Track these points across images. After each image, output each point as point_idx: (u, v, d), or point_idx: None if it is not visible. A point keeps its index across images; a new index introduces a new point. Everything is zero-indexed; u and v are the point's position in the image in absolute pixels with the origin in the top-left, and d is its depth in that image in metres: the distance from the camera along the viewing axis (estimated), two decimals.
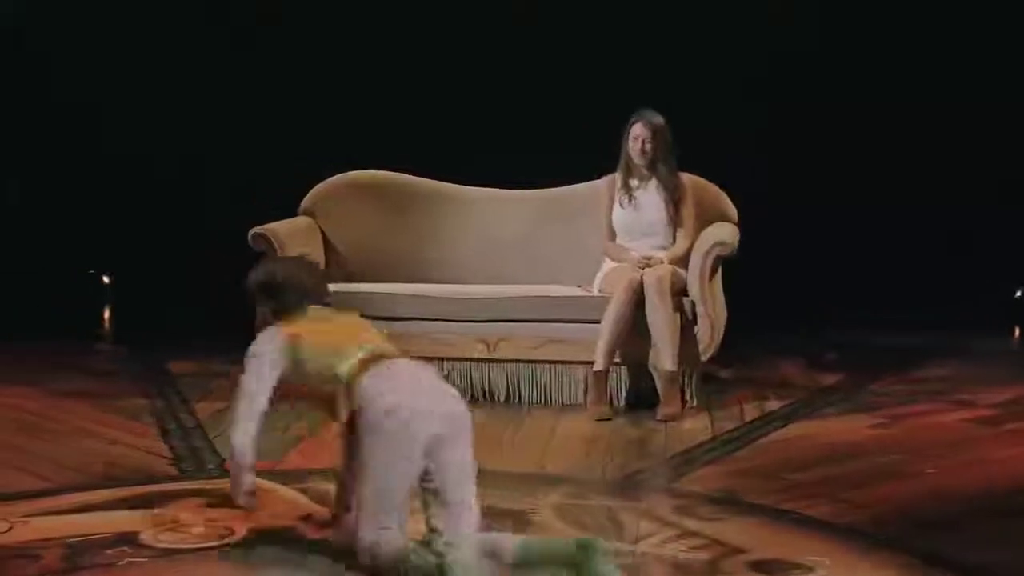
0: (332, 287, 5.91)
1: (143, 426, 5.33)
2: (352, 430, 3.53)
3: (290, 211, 6.38)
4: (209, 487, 4.32)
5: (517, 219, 6.30)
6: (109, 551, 3.69)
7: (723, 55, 7.65)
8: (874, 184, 7.86)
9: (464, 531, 3.40)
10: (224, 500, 4.10)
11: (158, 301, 8.25)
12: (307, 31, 7.84)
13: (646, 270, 5.62)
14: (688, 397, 5.68)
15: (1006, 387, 6.06)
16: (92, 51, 7.94)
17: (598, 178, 6.01)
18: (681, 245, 5.81)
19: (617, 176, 5.92)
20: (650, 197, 5.87)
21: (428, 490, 3.42)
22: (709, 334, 5.64)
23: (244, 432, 3.67)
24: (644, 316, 5.55)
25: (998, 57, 7.79)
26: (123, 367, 6.71)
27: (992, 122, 7.70)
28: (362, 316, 3.93)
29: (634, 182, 5.88)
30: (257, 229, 5.85)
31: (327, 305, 3.88)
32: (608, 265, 5.85)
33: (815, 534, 3.96)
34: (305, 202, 6.35)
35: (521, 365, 5.78)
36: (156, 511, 4.05)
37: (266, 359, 3.65)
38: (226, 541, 3.82)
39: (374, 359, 3.57)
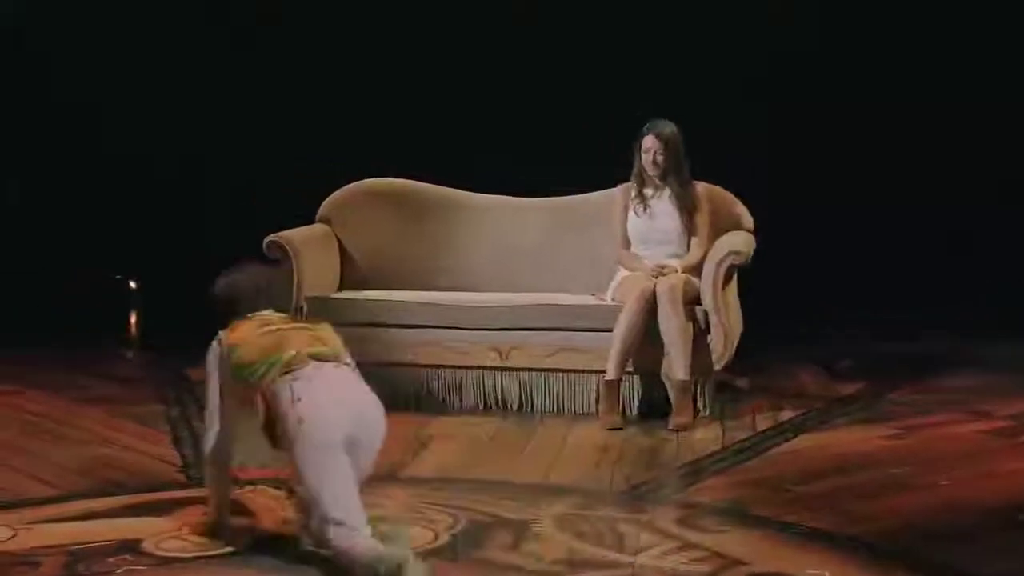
0: (346, 294, 6.03)
1: (157, 433, 5.36)
2: (271, 432, 3.70)
3: (310, 219, 6.40)
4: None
5: (531, 227, 6.29)
6: (110, 559, 3.73)
7: (723, 55, 7.59)
8: (887, 185, 7.79)
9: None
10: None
11: (186, 307, 8.29)
12: (326, 42, 7.85)
13: (659, 279, 5.60)
14: (701, 407, 5.65)
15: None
16: (98, 54, 7.97)
17: (614, 186, 6.00)
18: (695, 253, 5.79)
19: (631, 185, 5.91)
20: (664, 206, 5.85)
21: None
22: (722, 343, 5.61)
23: (207, 442, 3.89)
24: (657, 325, 5.54)
25: (1000, 57, 7.72)
26: (144, 373, 6.76)
27: (998, 122, 7.61)
28: (335, 323, 4.10)
29: (648, 191, 5.87)
30: (272, 237, 5.88)
31: (280, 311, 3.99)
32: (622, 274, 5.84)
33: (817, 546, 3.94)
34: (322, 209, 6.37)
35: (534, 374, 5.77)
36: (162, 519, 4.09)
37: (211, 367, 3.86)
38: (228, 549, 3.83)
39: (294, 365, 3.69)
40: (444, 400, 5.83)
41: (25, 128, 8.25)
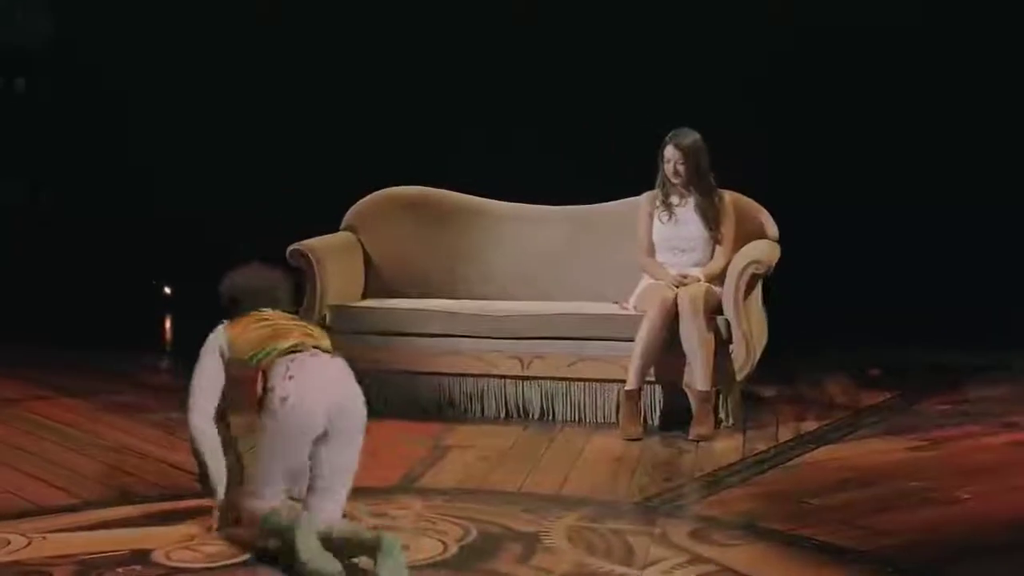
0: (368, 303, 6.07)
1: (181, 441, 5.39)
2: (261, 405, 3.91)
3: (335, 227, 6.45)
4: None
5: (554, 235, 6.30)
6: (120, 569, 3.77)
7: (731, 55, 7.56)
8: (922, 187, 7.71)
9: (318, 514, 3.81)
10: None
11: (219, 314, 8.36)
12: (354, 52, 7.89)
13: (680, 289, 5.59)
14: (723, 417, 5.64)
15: None
16: (126, 60, 8.06)
17: (637, 195, 5.99)
18: (718, 262, 5.78)
19: (657, 192, 5.90)
20: (689, 213, 5.84)
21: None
22: (744, 353, 5.59)
23: (193, 416, 4.10)
24: (678, 335, 5.53)
25: (1002, 56, 7.63)
26: (173, 380, 6.82)
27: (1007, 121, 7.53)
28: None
29: (674, 199, 5.86)
30: (295, 245, 5.92)
31: (276, 307, 4.19)
32: (645, 282, 5.83)
33: (827, 561, 3.92)
34: (347, 218, 6.41)
35: (555, 383, 5.78)
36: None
37: (207, 352, 4.10)
38: (237, 560, 3.87)
39: (290, 352, 3.91)
40: (465, 409, 5.85)
41: (59, 135, 8.36)
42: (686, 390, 5.60)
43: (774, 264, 5.75)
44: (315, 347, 3.98)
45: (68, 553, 3.90)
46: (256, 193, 7.93)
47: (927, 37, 7.67)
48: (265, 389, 3.87)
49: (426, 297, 6.15)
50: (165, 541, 4.00)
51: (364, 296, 6.27)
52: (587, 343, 5.74)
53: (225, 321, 4.15)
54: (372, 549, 3.65)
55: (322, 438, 3.85)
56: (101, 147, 8.32)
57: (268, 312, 4.13)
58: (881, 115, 7.71)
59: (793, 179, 7.19)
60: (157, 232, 8.53)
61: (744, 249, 5.76)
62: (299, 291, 5.97)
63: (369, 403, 5.71)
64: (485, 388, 5.83)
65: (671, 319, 5.53)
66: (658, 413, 5.70)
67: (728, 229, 5.82)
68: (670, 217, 5.85)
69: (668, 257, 5.85)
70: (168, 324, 8.82)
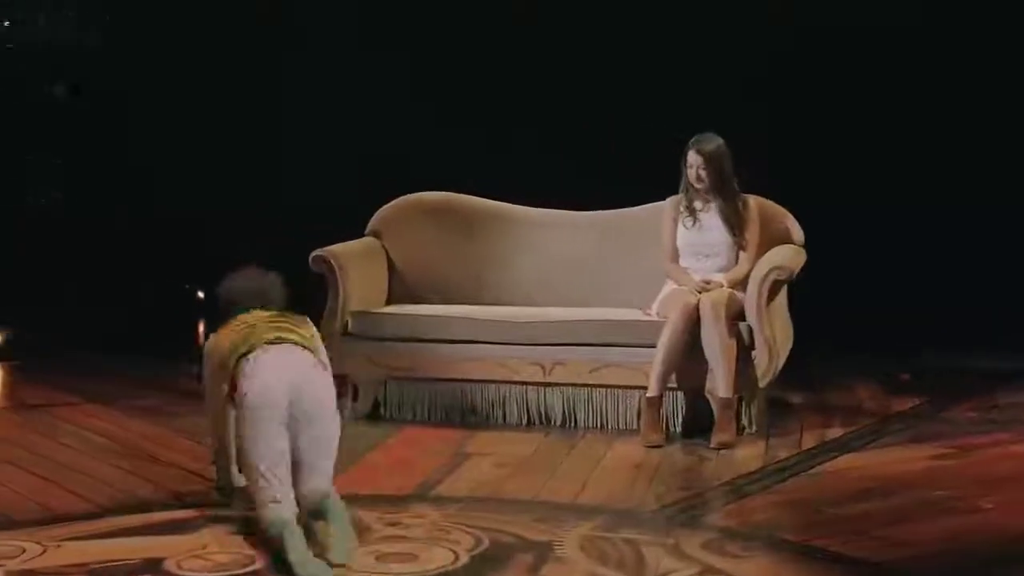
0: (390, 309, 6.10)
1: (204, 449, 5.44)
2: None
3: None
4: (238, 514, 4.40)
5: (579, 241, 6.29)
6: None
7: (723, 55, 7.52)
8: (950, 189, 7.64)
9: (302, 488, 4.06)
10: (251, 527, 4.21)
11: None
12: (379, 58, 7.91)
13: (702, 294, 5.57)
14: (746, 424, 5.61)
15: None
16: (161, 74, 8.13)
17: (662, 200, 5.97)
18: (742, 268, 5.75)
19: (681, 197, 5.88)
20: (713, 219, 5.82)
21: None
22: (767, 360, 5.56)
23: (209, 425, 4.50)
24: (701, 341, 5.51)
25: (1004, 56, 7.55)
26: (202, 385, 6.87)
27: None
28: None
29: (698, 204, 5.84)
30: (317, 252, 5.95)
31: (269, 307, 4.43)
32: (668, 287, 5.81)
33: (840, 572, 3.90)
34: (372, 223, 6.44)
35: (577, 389, 5.78)
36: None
37: (205, 360, 4.42)
38: (247, 569, 3.90)
39: (250, 351, 4.15)
40: (488, 416, 5.86)
41: (90, 141, 8.44)
42: (708, 397, 5.58)
43: (798, 270, 5.72)
44: (273, 340, 4.18)
45: (81, 562, 3.94)
46: (280, 199, 7.99)
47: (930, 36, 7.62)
48: (233, 393, 4.16)
49: (450, 303, 6.17)
50: (178, 550, 4.03)
51: (388, 302, 6.29)
52: (609, 349, 5.73)
53: (213, 333, 4.43)
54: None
55: (292, 422, 4.06)
56: (131, 150, 8.39)
57: (253, 314, 4.36)
58: (899, 115, 7.64)
59: (813, 180, 7.15)
60: (189, 236, 8.60)
61: (768, 254, 5.73)
62: (323, 296, 6.05)
63: (391, 409, 5.91)
64: (507, 395, 5.83)
65: (693, 325, 5.52)
66: (680, 420, 5.68)
67: (752, 234, 5.80)
68: (694, 222, 5.82)
69: (692, 262, 5.83)
70: (201, 328, 8.89)
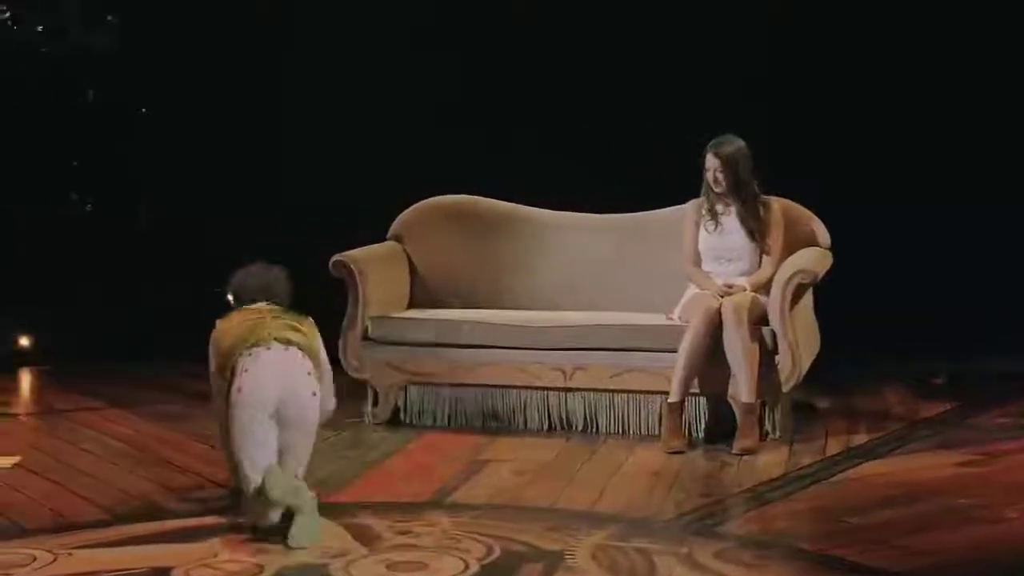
0: (410, 314, 6.10)
1: (218, 452, 5.45)
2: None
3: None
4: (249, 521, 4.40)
5: (601, 244, 6.26)
6: None
7: (723, 55, 7.47)
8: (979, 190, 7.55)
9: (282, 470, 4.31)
10: (262, 536, 4.21)
11: None
12: (400, 63, 7.90)
13: (724, 299, 5.52)
14: (770, 429, 5.56)
15: None
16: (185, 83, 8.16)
17: (684, 203, 5.94)
18: (765, 271, 5.70)
19: (703, 200, 5.84)
20: (734, 222, 5.77)
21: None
22: (791, 364, 5.50)
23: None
24: (723, 345, 5.46)
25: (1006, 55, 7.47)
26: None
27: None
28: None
29: (719, 207, 5.79)
30: (337, 256, 5.95)
31: (272, 301, 4.64)
32: (691, 291, 5.77)
33: None
34: (394, 227, 6.43)
35: (598, 394, 5.75)
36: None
37: (211, 349, 4.58)
38: None
39: (258, 344, 4.36)
40: (509, 421, 5.84)
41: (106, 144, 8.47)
42: (731, 402, 5.53)
43: (823, 273, 5.66)
44: (277, 338, 4.38)
45: (91, 570, 3.96)
46: (302, 203, 7.99)
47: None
48: (231, 385, 4.35)
49: (471, 307, 6.16)
50: (187, 559, 4.04)
51: (410, 306, 6.28)
52: (631, 354, 5.70)
53: (219, 321, 4.61)
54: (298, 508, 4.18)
55: (277, 417, 4.30)
56: (147, 151, 8.42)
57: (259, 306, 4.59)
58: (922, 113, 7.56)
59: (838, 181, 7.08)
60: (216, 240, 8.62)
61: (791, 258, 5.67)
62: (343, 300, 6.05)
63: (411, 415, 5.90)
64: (528, 400, 5.81)
65: (715, 329, 5.47)
66: (703, 425, 5.64)
67: (775, 238, 5.74)
68: (716, 226, 5.78)
69: (714, 267, 5.78)
70: None
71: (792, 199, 5.98)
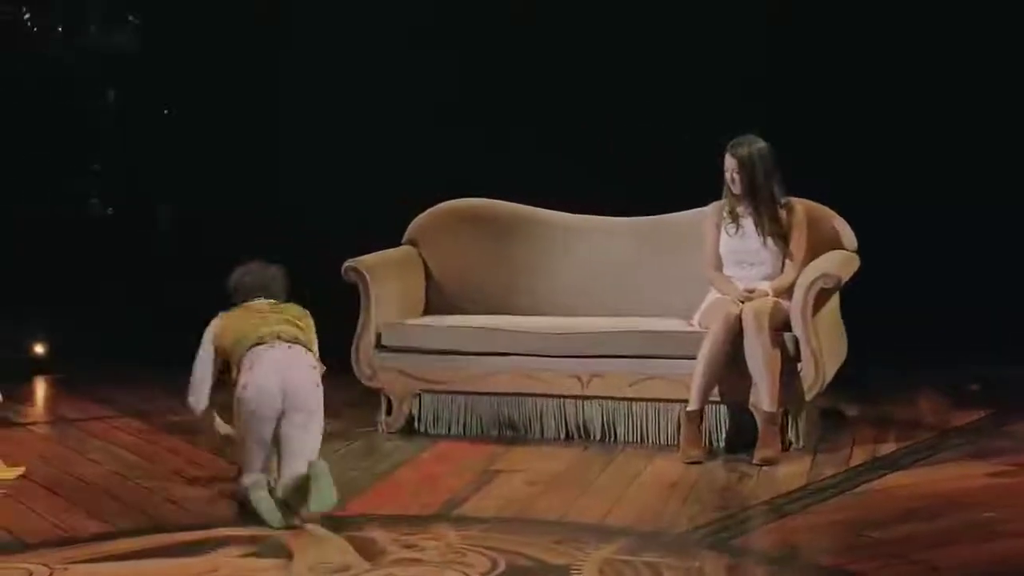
0: (423, 320, 6.11)
1: (231, 467, 5.49)
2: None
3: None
4: (258, 535, 4.44)
5: (621, 248, 6.25)
6: None
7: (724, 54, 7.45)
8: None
9: (284, 471, 4.64)
10: (264, 550, 4.24)
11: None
12: (416, 66, 7.92)
13: (745, 304, 5.50)
14: (792, 439, 5.53)
15: None
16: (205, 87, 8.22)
17: (705, 205, 5.92)
18: (788, 276, 5.67)
19: (724, 203, 5.82)
20: (755, 225, 5.73)
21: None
22: (814, 372, 5.47)
23: (194, 398, 4.99)
24: (744, 352, 5.44)
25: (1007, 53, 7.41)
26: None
27: None
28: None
29: (740, 210, 5.76)
30: (349, 262, 5.97)
31: (270, 297, 4.98)
32: (711, 296, 5.75)
33: None
34: (409, 231, 6.44)
35: (616, 402, 5.74)
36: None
37: (204, 343, 4.92)
38: None
39: (258, 343, 4.71)
40: (525, 430, 5.84)
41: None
42: (752, 410, 5.51)
43: (847, 277, 5.64)
44: (278, 335, 4.72)
45: None
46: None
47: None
48: (236, 381, 4.71)
49: (488, 313, 6.16)
50: (187, 573, 4.08)
51: (426, 311, 6.30)
52: (649, 361, 5.69)
53: (222, 312, 4.95)
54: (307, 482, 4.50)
55: (281, 415, 4.63)
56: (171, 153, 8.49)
57: (259, 303, 4.93)
58: (946, 112, 7.51)
59: (864, 183, 7.04)
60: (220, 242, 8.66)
61: (815, 262, 5.64)
62: (356, 305, 6.08)
63: (425, 424, 5.91)
64: (544, 408, 5.81)
65: (735, 335, 5.45)
66: (724, 435, 5.62)
67: (798, 241, 5.70)
68: (737, 229, 5.75)
69: (735, 271, 5.76)
70: None
71: (815, 200, 5.96)
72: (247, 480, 4.68)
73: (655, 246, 6.19)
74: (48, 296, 7.79)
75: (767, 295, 5.59)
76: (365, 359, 5.94)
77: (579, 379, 5.75)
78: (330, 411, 5.75)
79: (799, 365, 5.49)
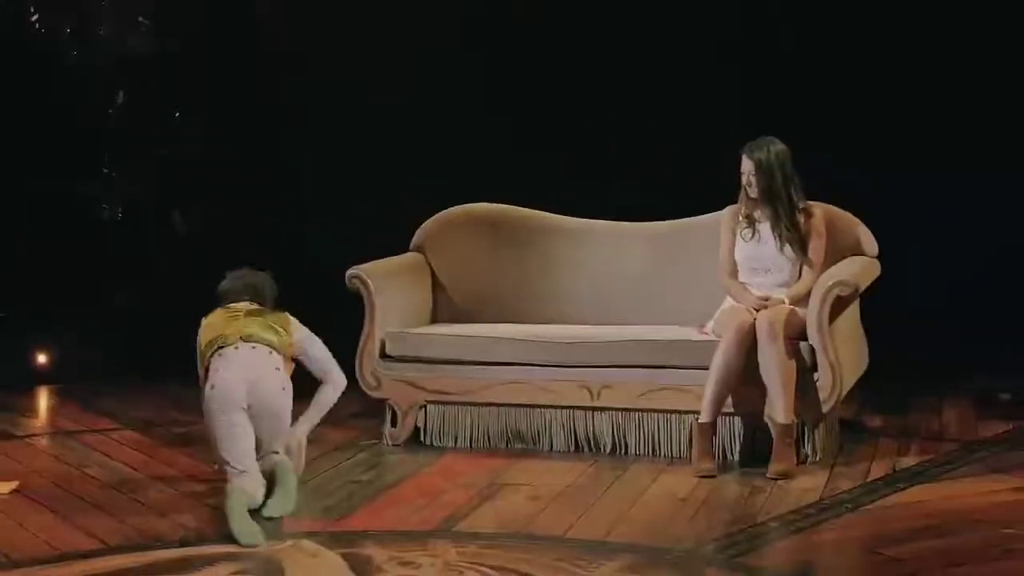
0: (427, 329, 6.12)
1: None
2: None
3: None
4: (250, 552, 4.45)
5: (634, 254, 6.23)
6: None
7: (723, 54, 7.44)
8: None
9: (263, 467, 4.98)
10: (256, 567, 4.25)
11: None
12: (427, 69, 7.93)
13: (759, 312, 5.46)
14: (809, 452, 5.49)
15: None
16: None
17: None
18: (805, 283, 5.63)
19: (740, 207, 5.79)
20: (771, 231, 5.70)
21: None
22: (831, 383, 5.43)
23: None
24: (758, 362, 5.41)
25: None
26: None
27: None
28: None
29: (756, 214, 5.73)
30: (352, 270, 5.98)
31: (257, 301, 5.26)
32: (726, 304, 5.72)
33: None
34: (416, 238, 6.45)
35: (627, 414, 5.72)
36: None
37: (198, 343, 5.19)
38: None
39: (227, 343, 5.02)
40: (533, 442, 5.83)
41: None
42: (767, 422, 5.48)
43: (865, 284, 5.60)
44: (245, 337, 5.02)
45: None
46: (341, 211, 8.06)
47: None
48: (206, 382, 5.02)
49: (498, 321, 6.16)
50: None
51: (433, 320, 6.30)
52: (661, 371, 5.66)
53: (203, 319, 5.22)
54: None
55: (251, 413, 4.95)
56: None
57: (239, 305, 5.21)
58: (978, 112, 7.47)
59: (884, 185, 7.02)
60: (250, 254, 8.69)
61: (832, 268, 5.60)
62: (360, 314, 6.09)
63: (432, 435, 5.91)
64: (552, 420, 5.80)
65: (748, 344, 5.42)
66: (738, 447, 5.59)
67: (816, 247, 5.66)
68: (753, 234, 5.72)
69: (751, 278, 5.73)
70: None
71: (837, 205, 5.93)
72: (227, 488, 4.83)
73: (671, 252, 6.17)
74: (52, 302, 7.84)
75: (782, 303, 5.55)
76: (369, 369, 5.94)
77: (589, 390, 5.74)
78: (335, 422, 5.86)
79: (815, 375, 5.46)
